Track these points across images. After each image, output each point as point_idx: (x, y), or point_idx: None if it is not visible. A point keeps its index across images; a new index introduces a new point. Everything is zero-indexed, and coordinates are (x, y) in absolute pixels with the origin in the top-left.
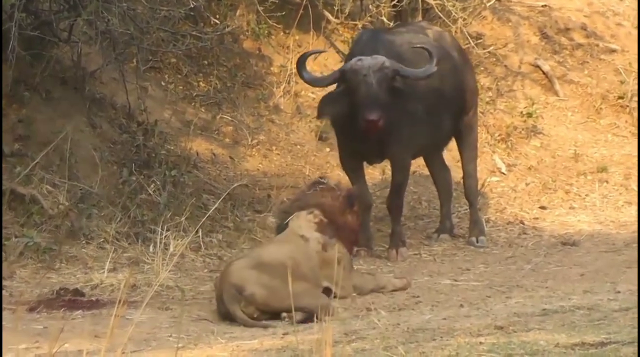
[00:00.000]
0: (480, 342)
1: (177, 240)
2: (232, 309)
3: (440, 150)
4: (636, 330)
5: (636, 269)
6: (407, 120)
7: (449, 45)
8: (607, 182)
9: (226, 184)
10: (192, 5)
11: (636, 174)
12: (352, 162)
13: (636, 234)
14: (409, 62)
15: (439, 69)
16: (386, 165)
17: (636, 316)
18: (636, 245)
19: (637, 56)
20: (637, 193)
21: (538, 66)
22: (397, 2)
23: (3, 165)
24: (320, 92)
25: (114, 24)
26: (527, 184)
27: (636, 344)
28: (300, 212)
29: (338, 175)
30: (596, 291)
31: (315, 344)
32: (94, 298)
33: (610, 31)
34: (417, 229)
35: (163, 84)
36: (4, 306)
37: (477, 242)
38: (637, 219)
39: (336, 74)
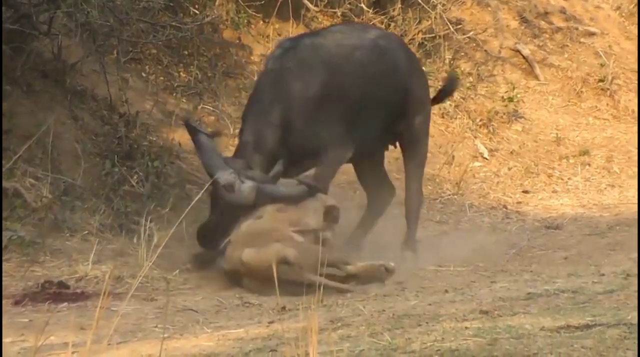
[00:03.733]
0: (466, 327)
1: (161, 231)
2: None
3: (372, 158)
4: (621, 312)
5: (620, 252)
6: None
7: (393, 47)
8: (589, 165)
9: None
10: None
11: (618, 156)
12: None
13: (619, 216)
14: (336, 68)
15: (370, 71)
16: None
17: (620, 298)
18: (619, 227)
19: (616, 38)
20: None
21: (518, 50)
22: None
23: None
24: None
25: (93, 15)
26: (509, 169)
27: (620, 326)
28: None
29: None
30: (580, 274)
31: (301, 331)
32: (79, 290)
33: (589, 14)
34: (402, 215)
35: (144, 75)
36: None
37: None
38: (620, 202)
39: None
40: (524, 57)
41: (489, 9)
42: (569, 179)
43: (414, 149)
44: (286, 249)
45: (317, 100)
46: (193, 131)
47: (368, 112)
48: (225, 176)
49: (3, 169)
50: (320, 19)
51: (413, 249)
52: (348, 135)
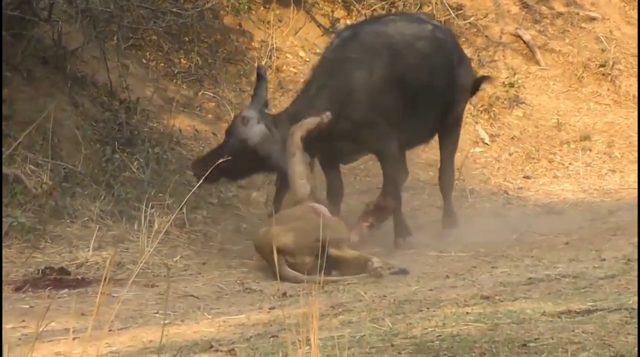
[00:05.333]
0: (467, 313)
1: (162, 217)
2: None
3: (426, 143)
4: (622, 297)
5: (621, 237)
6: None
7: (448, 39)
8: (590, 150)
9: None
10: None
11: (619, 141)
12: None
13: (620, 202)
14: (400, 53)
15: (431, 63)
16: None
17: (621, 283)
18: (620, 212)
19: (617, 23)
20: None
21: (519, 36)
22: None
23: None
24: (302, 66)
25: (93, 2)
26: (510, 154)
27: (622, 311)
28: None
29: None
30: (581, 259)
31: (302, 317)
32: (79, 277)
33: None
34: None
35: (144, 61)
36: None
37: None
38: (621, 187)
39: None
40: (524, 43)
41: None
42: (569, 164)
43: (454, 131)
44: (281, 236)
45: (375, 89)
46: (260, 77)
47: (426, 102)
48: (249, 111)
49: (3, 156)
50: (321, 5)
51: (454, 224)
52: (399, 127)
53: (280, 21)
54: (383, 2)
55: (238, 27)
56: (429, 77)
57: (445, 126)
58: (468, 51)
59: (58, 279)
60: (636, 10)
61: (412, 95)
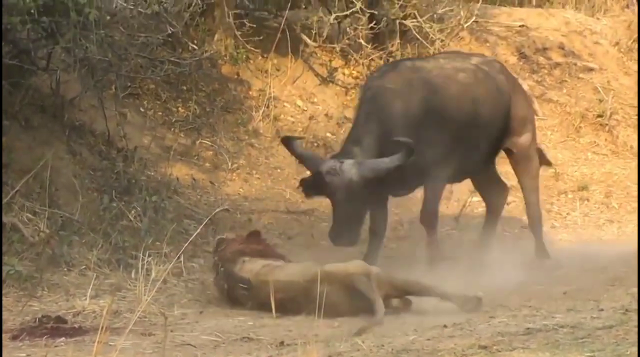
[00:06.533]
0: None
1: (159, 266)
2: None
3: (478, 173)
4: (620, 347)
5: (619, 287)
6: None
7: (495, 71)
8: (587, 200)
9: (207, 209)
10: (169, 32)
11: (617, 192)
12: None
13: (618, 252)
14: (435, 89)
15: (475, 94)
16: None
17: (619, 333)
18: (618, 262)
19: (615, 74)
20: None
21: None
22: (375, 24)
23: None
24: (300, 116)
25: (92, 51)
26: (508, 204)
27: None
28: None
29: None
30: (579, 309)
31: None
32: (76, 325)
33: (587, 50)
34: (400, 250)
35: (142, 110)
36: None
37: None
38: (619, 237)
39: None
40: None
41: (488, 44)
42: (567, 214)
43: (525, 164)
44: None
45: (418, 118)
46: (289, 144)
47: (474, 133)
48: (326, 164)
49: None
50: (319, 55)
51: (546, 256)
52: (450, 155)
53: (278, 70)
54: (380, 52)
55: (236, 76)
56: (473, 107)
57: (513, 160)
58: None
59: (55, 328)
60: (634, 61)
61: (457, 126)
